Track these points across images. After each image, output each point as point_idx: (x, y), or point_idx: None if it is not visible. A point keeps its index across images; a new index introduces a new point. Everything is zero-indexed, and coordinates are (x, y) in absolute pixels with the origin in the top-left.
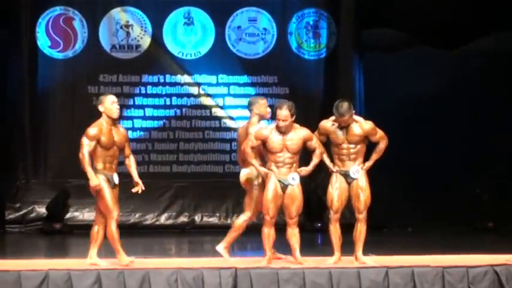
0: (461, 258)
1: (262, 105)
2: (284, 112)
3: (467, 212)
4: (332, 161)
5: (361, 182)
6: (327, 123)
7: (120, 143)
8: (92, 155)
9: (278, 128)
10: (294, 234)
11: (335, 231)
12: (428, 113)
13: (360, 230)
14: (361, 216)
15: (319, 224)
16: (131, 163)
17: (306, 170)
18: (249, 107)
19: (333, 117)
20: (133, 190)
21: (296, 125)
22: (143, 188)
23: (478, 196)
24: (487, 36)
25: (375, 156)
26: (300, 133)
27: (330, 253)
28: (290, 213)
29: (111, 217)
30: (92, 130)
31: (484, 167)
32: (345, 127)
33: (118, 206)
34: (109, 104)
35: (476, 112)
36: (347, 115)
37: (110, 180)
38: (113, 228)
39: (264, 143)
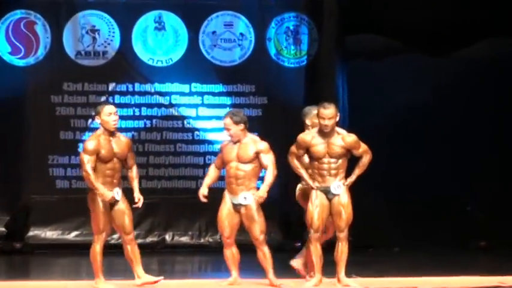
0: (451, 280)
1: (315, 116)
2: (225, 120)
3: (458, 230)
4: (312, 177)
5: (343, 198)
6: (306, 136)
7: (122, 155)
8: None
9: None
10: (263, 256)
11: (316, 251)
12: (417, 124)
13: (342, 250)
14: (343, 234)
15: (299, 244)
16: (133, 175)
17: (258, 194)
18: (302, 117)
19: (314, 129)
20: (135, 206)
21: (254, 137)
22: (139, 206)
23: (469, 214)
24: (480, 43)
25: (357, 172)
26: (255, 145)
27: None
28: (253, 234)
29: (97, 238)
30: (90, 144)
31: (476, 183)
32: (326, 137)
33: (110, 227)
34: (106, 116)
35: (468, 124)
36: (331, 109)
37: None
38: (97, 249)
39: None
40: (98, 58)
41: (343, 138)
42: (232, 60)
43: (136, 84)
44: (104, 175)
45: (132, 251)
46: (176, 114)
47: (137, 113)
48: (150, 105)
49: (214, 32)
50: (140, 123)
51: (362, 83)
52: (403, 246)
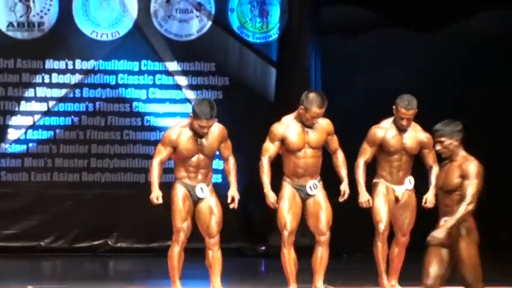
0: None
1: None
2: None
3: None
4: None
5: (319, 196)
6: (280, 127)
7: (210, 150)
8: (175, 161)
9: None
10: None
11: (289, 256)
12: None
13: (322, 256)
14: (324, 238)
15: (263, 248)
16: (230, 168)
17: None
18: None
19: (289, 117)
20: (230, 206)
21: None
22: (235, 207)
23: None
24: (479, 16)
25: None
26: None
27: (277, 283)
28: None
29: (175, 239)
30: (168, 134)
31: None
32: (309, 127)
33: (190, 226)
34: (197, 123)
35: (461, 109)
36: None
37: (190, 193)
38: (175, 253)
39: None
40: (32, 30)
41: (328, 125)
42: (189, 34)
43: (77, 61)
44: (186, 170)
45: (214, 257)
46: (123, 96)
47: (78, 95)
48: (93, 86)
49: (168, 1)
50: (81, 107)
51: (338, 61)
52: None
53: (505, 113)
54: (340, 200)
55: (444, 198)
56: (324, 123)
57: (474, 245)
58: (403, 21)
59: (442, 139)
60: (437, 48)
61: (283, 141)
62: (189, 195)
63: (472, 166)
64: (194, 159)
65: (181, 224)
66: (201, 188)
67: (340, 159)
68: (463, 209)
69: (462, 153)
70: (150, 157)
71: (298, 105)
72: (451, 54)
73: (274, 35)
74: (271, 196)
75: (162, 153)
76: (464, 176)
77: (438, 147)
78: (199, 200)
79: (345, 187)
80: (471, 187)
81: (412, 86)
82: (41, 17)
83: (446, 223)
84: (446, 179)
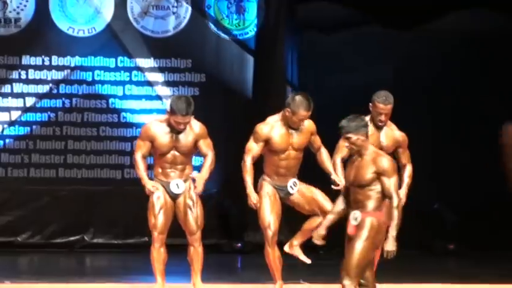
0: None
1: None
2: None
3: (424, 231)
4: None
5: (302, 187)
6: (265, 128)
7: (185, 148)
8: (153, 158)
9: None
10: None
11: (274, 255)
12: None
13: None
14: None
15: (239, 245)
16: (205, 163)
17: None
18: None
19: (274, 118)
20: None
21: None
22: (199, 190)
23: (437, 212)
24: (455, 14)
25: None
26: None
27: (254, 279)
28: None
29: (152, 236)
30: (146, 129)
31: (444, 178)
32: (294, 129)
33: (167, 223)
34: (174, 118)
35: (435, 110)
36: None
37: (166, 189)
38: (152, 250)
39: None
40: (9, 26)
41: (309, 125)
42: (166, 31)
43: (54, 57)
44: (161, 166)
45: (194, 253)
46: (100, 92)
47: (54, 91)
48: (69, 82)
49: None
50: (58, 103)
51: (314, 59)
52: None
53: (481, 109)
54: (336, 187)
55: (355, 194)
56: (307, 124)
57: (370, 242)
58: (380, 19)
59: (349, 135)
60: (414, 46)
61: (267, 141)
62: (166, 192)
63: (386, 162)
64: (169, 155)
65: (153, 221)
66: (177, 184)
67: (324, 154)
68: (396, 213)
69: (371, 147)
70: (126, 153)
71: (283, 107)
72: (428, 52)
73: (251, 31)
74: (253, 197)
75: (141, 147)
76: (379, 173)
77: (345, 143)
78: (177, 196)
79: (335, 176)
80: (392, 186)
81: (389, 83)
82: (18, 13)
83: (390, 232)
84: (359, 173)
